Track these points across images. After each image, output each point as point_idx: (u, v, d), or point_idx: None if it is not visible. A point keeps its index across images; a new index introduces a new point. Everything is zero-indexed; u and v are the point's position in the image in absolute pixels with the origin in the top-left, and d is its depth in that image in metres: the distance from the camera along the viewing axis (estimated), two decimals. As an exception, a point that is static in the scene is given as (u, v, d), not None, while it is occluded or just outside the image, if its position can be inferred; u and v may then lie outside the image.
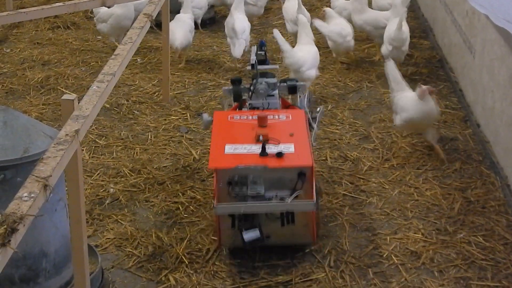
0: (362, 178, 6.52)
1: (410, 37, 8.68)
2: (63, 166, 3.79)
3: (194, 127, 7.52)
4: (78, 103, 4.37)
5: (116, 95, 8.16)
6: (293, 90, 6.28)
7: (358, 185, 6.41)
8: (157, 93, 8.36)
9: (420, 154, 6.84)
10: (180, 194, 6.31)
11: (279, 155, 5.10)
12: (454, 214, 5.88)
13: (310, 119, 6.04)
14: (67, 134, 3.94)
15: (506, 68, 6.40)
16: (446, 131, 7.28)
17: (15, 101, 8.27)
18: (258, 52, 6.45)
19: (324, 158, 6.85)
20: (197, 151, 7.00)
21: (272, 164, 5.05)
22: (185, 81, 8.71)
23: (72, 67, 9.18)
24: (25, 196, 3.35)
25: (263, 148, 5.13)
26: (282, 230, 5.25)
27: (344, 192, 6.29)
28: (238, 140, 5.34)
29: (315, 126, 6.07)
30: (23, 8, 10.98)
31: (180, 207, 6.11)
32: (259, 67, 6.16)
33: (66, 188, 4.61)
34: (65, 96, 4.34)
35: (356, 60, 9.21)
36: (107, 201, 6.23)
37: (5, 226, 3.11)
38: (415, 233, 5.68)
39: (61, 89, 8.47)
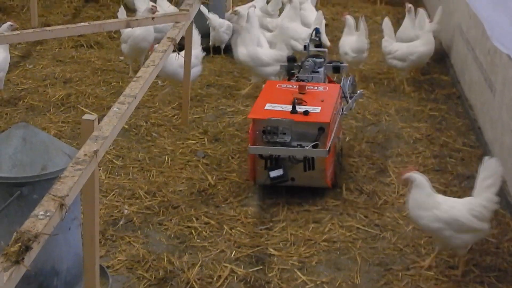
0: (377, 212, 6.50)
1: (431, 72, 8.73)
2: (80, 186, 3.81)
3: (211, 152, 7.54)
4: (98, 123, 4.40)
5: (135, 116, 8.20)
6: (336, 70, 7.89)
7: (372, 219, 6.39)
8: (176, 116, 8.39)
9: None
10: (194, 219, 6.32)
11: (306, 113, 6.53)
12: (467, 253, 5.84)
13: (347, 94, 7.49)
14: (85, 154, 3.96)
15: (526, 108, 6.39)
16: (463, 169, 7.26)
17: (35, 117, 8.33)
18: (313, 38, 8.22)
19: (339, 190, 6.84)
20: (213, 177, 7.01)
21: (298, 119, 6.47)
22: (205, 105, 8.74)
23: (93, 86, 9.24)
24: (41, 215, 3.37)
25: (294, 106, 6.56)
26: (304, 174, 6.56)
27: (358, 226, 6.27)
28: (278, 101, 6.78)
29: (350, 101, 7.49)
30: (48, 25, 11.18)
31: (193, 232, 6.11)
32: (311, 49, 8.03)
33: (81, 207, 4.62)
34: (85, 116, 4.38)
35: (376, 93, 9.22)
36: (121, 222, 6.25)
37: (19, 244, 3.12)
38: (427, 271, 5.65)
39: (81, 107, 8.52)
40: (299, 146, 6.46)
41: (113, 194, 6.68)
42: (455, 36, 10.03)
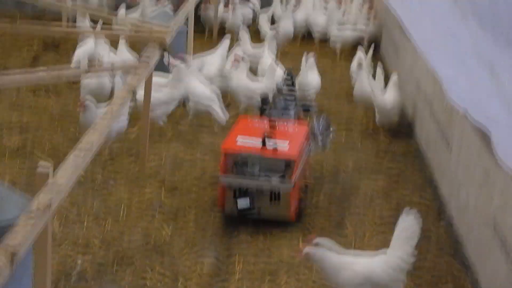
0: (334, 266, 6.46)
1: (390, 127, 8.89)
2: (32, 237, 3.73)
3: (168, 203, 7.47)
4: (54, 173, 4.33)
5: (92, 164, 8.09)
6: (306, 110, 8.53)
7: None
8: (133, 165, 8.32)
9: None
10: (149, 270, 6.23)
11: (274, 148, 7.04)
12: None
13: (316, 133, 7.82)
14: (39, 205, 3.89)
15: (481, 164, 6.44)
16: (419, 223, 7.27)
17: (-12, 164, 8.21)
18: (285, 78, 8.78)
19: (296, 242, 6.80)
20: (169, 228, 6.95)
21: (267, 154, 7.00)
22: (163, 155, 8.69)
23: (50, 133, 9.14)
24: (-9, 266, 3.28)
25: (263, 142, 7.04)
26: (270, 207, 6.98)
27: (314, 279, 6.22)
28: (251, 134, 7.29)
29: (319, 140, 7.84)
30: (7, 68, 11.04)
31: (148, 284, 6.02)
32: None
33: (33, 258, 4.53)
34: (40, 166, 4.31)
35: (334, 145, 9.24)
36: (74, 274, 6.12)
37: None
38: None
39: (38, 155, 8.40)
40: (266, 177, 6.96)
41: (67, 244, 6.57)
42: (413, 92, 10.14)
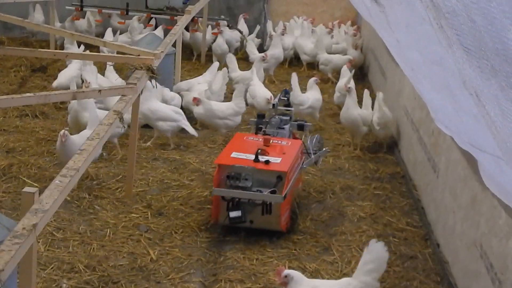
0: (320, 291, 6.44)
1: (377, 151, 8.91)
2: (17, 260, 3.71)
3: (154, 227, 7.44)
4: (39, 196, 4.31)
5: (78, 188, 8.08)
6: (300, 127, 8.82)
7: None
8: (119, 189, 8.30)
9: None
10: (135, 294, 6.19)
11: (267, 162, 7.31)
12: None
13: (310, 150, 8.25)
14: (24, 228, 3.87)
15: (468, 190, 6.46)
16: (406, 249, 7.28)
17: (-26, 187, 8.16)
18: (281, 98, 9.37)
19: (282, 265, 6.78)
20: (155, 252, 6.91)
21: (259, 167, 7.26)
22: (149, 179, 8.67)
23: (37, 156, 9.11)
24: (-26, 291, 3.26)
25: (256, 156, 7.31)
26: (262, 218, 7.24)
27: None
28: (244, 151, 7.55)
29: (312, 156, 8.20)
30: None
31: (133, 308, 5.98)
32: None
33: (18, 282, 4.49)
34: (26, 189, 4.29)
35: (321, 170, 9.27)
36: (59, 297, 6.08)
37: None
38: None
39: (23, 178, 8.38)
40: (258, 191, 7.17)
41: (52, 268, 6.52)
42: (400, 117, 10.18)
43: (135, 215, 7.71)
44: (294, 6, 17.39)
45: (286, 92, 9.67)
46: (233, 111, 9.93)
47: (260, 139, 7.90)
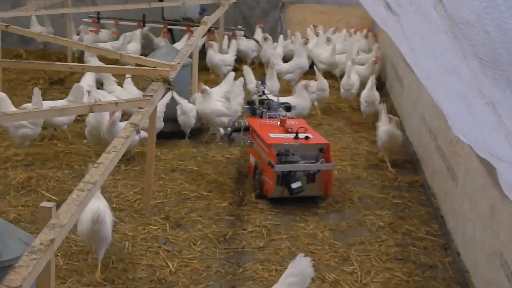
0: (339, 302, 6.42)
1: (395, 160, 8.86)
2: (34, 276, 3.71)
3: (172, 239, 7.44)
4: (56, 210, 4.31)
5: (96, 200, 8.08)
6: (288, 109, 9.81)
7: (334, 309, 6.30)
8: (138, 201, 8.31)
9: (398, 280, 6.78)
10: (153, 307, 6.18)
11: (307, 138, 8.48)
12: None
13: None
14: (41, 243, 3.87)
15: (487, 198, 6.41)
16: (425, 258, 7.24)
17: (-7, 200, 8.20)
18: (262, 86, 10.33)
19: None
20: (174, 264, 6.90)
21: (305, 142, 8.42)
22: (167, 190, 8.68)
23: (55, 169, 9.14)
24: (-8, 307, 3.26)
25: (296, 134, 8.50)
26: (307, 186, 8.31)
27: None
28: (274, 131, 8.69)
29: None
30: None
31: (152, 321, 5.97)
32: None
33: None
34: (43, 203, 4.30)
35: (339, 180, 9.24)
36: (78, 311, 6.09)
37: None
38: None
39: (42, 191, 8.40)
40: (309, 163, 8.34)
41: (71, 281, 6.52)
42: (418, 125, 10.14)
43: (153, 227, 7.71)
44: (310, 14, 17.37)
45: (263, 81, 10.59)
46: (229, 111, 10.36)
47: (273, 121, 9.12)
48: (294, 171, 8.25)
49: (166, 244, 7.35)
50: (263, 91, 10.30)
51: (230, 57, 14.09)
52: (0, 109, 9.12)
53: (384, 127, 9.69)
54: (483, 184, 6.56)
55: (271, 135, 8.53)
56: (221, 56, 14.08)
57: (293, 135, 8.51)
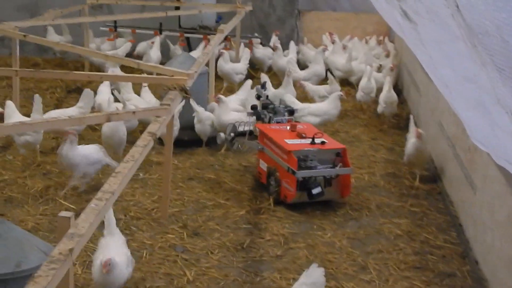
0: (357, 310, 6.40)
1: (412, 168, 8.85)
2: (54, 286, 3.72)
3: (190, 247, 7.44)
4: (75, 220, 4.33)
5: (114, 209, 8.09)
6: (291, 113, 9.83)
7: (353, 318, 6.28)
8: (155, 209, 8.32)
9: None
10: (171, 316, 6.18)
11: (323, 143, 8.57)
12: None
13: None
14: (60, 253, 3.89)
15: (506, 206, 6.38)
16: (444, 267, 7.20)
17: (13, 209, 8.22)
18: (264, 92, 10.34)
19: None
20: (192, 272, 6.91)
21: (323, 147, 8.51)
22: (185, 199, 8.69)
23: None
24: (12, 317, 3.28)
25: (313, 139, 8.55)
26: (325, 190, 8.41)
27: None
28: (289, 137, 8.73)
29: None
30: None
31: (170, 330, 5.97)
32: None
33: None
34: (62, 213, 4.32)
35: (356, 188, 9.22)
36: (97, 320, 6.09)
37: None
38: None
39: (60, 200, 8.43)
40: (326, 167, 8.45)
41: (89, 290, 6.55)
42: (435, 132, 10.10)
43: (171, 235, 7.72)
44: (326, 22, 17.37)
45: (263, 86, 10.61)
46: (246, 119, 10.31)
47: (282, 126, 9.18)
48: (315, 177, 8.35)
49: (184, 252, 7.36)
50: (267, 96, 10.39)
51: (241, 66, 13.95)
52: (9, 117, 9.24)
53: (413, 139, 9.53)
54: (502, 192, 6.53)
55: (287, 141, 8.57)
56: (232, 64, 13.93)
57: (309, 141, 8.57)
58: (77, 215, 4.46)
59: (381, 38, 16.53)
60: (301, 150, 8.40)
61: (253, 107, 9.91)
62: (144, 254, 7.26)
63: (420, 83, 12.04)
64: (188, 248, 7.45)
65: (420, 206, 8.74)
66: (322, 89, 12.65)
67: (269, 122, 9.55)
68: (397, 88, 14.26)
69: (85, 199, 8.37)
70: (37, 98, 9.48)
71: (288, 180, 8.39)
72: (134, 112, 7.28)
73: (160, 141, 9.53)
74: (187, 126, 10.41)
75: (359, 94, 12.79)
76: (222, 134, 10.12)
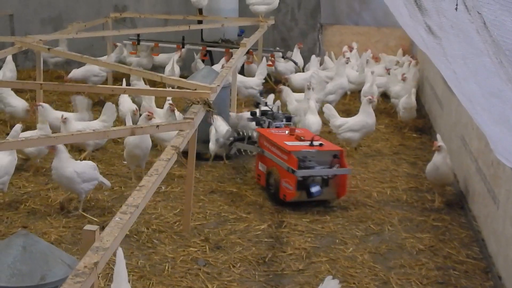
0: (380, 325, 6.38)
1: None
2: (78, 299, 3.74)
3: (212, 261, 7.45)
4: (100, 233, 4.36)
5: (136, 222, 8.14)
6: (288, 119, 10.38)
7: (375, 333, 6.26)
8: (177, 222, 8.35)
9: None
10: (194, 329, 6.18)
11: (321, 145, 9.03)
12: None
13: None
14: (85, 266, 3.91)
15: (530, 222, 6.34)
16: (467, 282, 7.16)
17: (35, 221, 8.28)
18: (263, 99, 11.02)
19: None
20: (214, 286, 6.91)
21: (321, 149, 8.96)
22: (207, 212, 8.71)
23: (95, 190, 9.19)
24: (38, 329, 3.30)
25: (311, 141, 9.02)
26: (323, 190, 8.83)
27: None
28: (288, 140, 9.16)
29: None
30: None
31: None
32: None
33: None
34: (87, 226, 4.35)
35: (378, 202, 9.21)
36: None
37: None
38: None
39: (82, 212, 8.47)
40: (324, 168, 8.88)
41: (112, 303, 6.55)
42: (458, 147, 10.07)
43: (193, 249, 7.73)
44: (348, 36, 17.39)
45: (261, 94, 11.45)
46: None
47: (281, 131, 9.66)
48: (314, 176, 8.75)
49: (206, 266, 7.36)
50: (266, 103, 10.93)
51: (254, 80, 13.70)
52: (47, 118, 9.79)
53: (436, 157, 9.26)
54: (526, 207, 6.49)
55: (287, 143, 9.03)
56: (242, 78, 13.76)
57: (307, 143, 9.04)
58: (100, 228, 4.49)
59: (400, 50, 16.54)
60: (300, 151, 8.86)
61: (253, 113, 10.42)
62: (166, 268, 7.27)
63: (442, 97, 12.01)
64: (210, 261, 7.46)
65: (443, 220, 8.71)
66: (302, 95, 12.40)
67: (268, 127, 10.03)
68: (419, 103, 14.23)
69: (107, 211, 8.42)
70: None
71: (288, 180, 8.80)
72: (157, 126, 7.31)
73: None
74: (207, 140, 10.48)
75: (401, 111, 12.84)
76: (221, 139, 10.33)
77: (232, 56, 11.73)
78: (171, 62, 14.59)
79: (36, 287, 4.35)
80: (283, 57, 15.72)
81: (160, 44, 15.75)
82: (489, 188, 7.94)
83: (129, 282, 6.79)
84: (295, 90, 13.36)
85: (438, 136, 9.70)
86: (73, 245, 7.56)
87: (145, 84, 13.11)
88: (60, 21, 16.98)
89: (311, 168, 8.81)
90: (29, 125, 11.47)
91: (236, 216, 8.64)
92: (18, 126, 8.96)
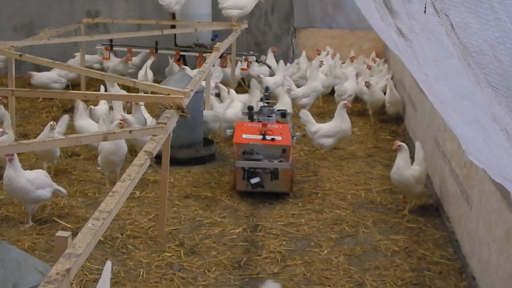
0: (355, 328, 6.39)
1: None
2: (51, 306, 3.71)
3: (187, 266, 7.43)
4: (72, 240, 4.33)
5: (111, 228, 8.11)
6: (283, 115, 11.01)
7: (350, 335, 6.27)
8: (152, 228, 8.32)
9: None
10: (169, 335, 6.16)
11: (272, 139, 9.44)
12: None
13: (293, 133, 10.42)
14: (58, 273, 3.89)
15: (502, 222, 6.39)
16: (441, 283, 7.20)
17: (9, 229, 8.21)
18: (264, 93, 11.77)
19: (317, 304, 6.74)
20: (189, 291, 6.90)
21: (268, 143, 9.39)
22: (181, 217, 8.69)
23: (69, 197, 9.15)
24: (9, 338, 3.27)
25: (263, 135, 9.48)
26: (272, 182, 9.29)
27: None
28: (250, 133, 9.64)
29: (294, 138, 10.31)
30: (26, 135, 11.20)
31: None
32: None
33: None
34: (59, 233, 4.32)
35: (353, 205, 9.23)
36: None
37: None
38: None
39: (56, 219, 8.42)
40: (271, 161, 9.29)
41: (87, 309, 6.53)
42: (431, 148, 10.12)
43: (168, 254, 7.71)
44: (322, 39, 17.44)
45: (267, 89, 12.23)
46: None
47: (259, 125, 9.88)
48: (254, 168, 9.20)
49: (181, 271, 7.35)
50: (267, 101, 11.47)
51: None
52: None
53: (397, 158, 9.13)
54: (498, 208, 6.54)
55: (243, 135, 9.56)
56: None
57: (260, 137, 9.47)
58: (74, 234, 4.46)
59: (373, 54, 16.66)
60: (247, 144, 9.37)
61: (249, 108, 10.87)
62: (141, 273, 7.24)
63: (415, 99, 12.07)
64: (185, 266, 7.44)
65: (417, 222, 8.74)
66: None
67: (249, 119, 10.62)
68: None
69: (81, 218, 8.37)
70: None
71: (237, 170, 9.35)
72: (130, 131, 7.29)
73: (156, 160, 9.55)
74: (184, 144, 10.46)
75: (387, 106, 13.57)
76: (228, 131, 11.62)
77: (205, 60, 11.73)
78: (144, 67, 14.55)
79: (9, 295, 4.32)
80: (257, 61, 15.72)
81: (133, 49, 15.71)
82: (462, 189, 7.99)
83: (103, 288, 6.77)
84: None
85: (417, 143, 9.58)
86: (47, 252, 7.51)
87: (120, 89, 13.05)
88: (33, 27, 16.87)
89: (256, 160, 9.25)
90: None
91: (211, 221, 8.63)
92: None
